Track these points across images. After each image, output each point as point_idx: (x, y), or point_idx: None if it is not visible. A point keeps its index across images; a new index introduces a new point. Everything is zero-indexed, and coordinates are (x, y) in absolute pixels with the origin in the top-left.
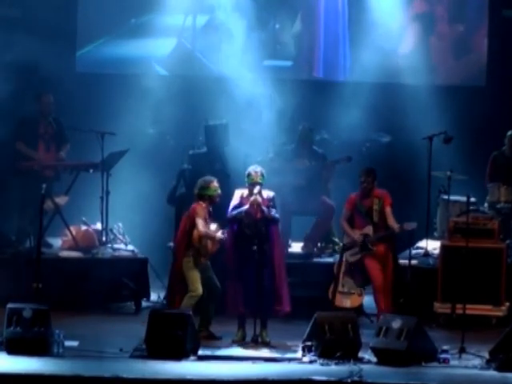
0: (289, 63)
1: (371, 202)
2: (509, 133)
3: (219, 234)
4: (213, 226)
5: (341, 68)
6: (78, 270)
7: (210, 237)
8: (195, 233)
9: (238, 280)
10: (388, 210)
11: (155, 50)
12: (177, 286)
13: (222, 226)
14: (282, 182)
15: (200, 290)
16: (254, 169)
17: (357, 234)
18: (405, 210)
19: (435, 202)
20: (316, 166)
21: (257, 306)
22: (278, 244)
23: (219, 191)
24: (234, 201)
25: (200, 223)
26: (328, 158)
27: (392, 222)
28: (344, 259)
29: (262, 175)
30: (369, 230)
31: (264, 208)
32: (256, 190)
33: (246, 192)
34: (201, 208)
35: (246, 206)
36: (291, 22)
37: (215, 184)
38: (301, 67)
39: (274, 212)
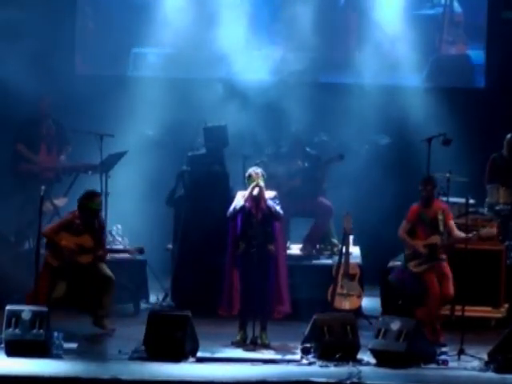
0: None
1: (434, 211)
2: (508, 136)
3: (65, 243)
4: (80, 239)
5: (340, 70)
6: None
7: (51, 239)
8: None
9: (235, 281)
10: (452, 223)
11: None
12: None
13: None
14: (277, 184)
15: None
16: (255, 170)
17: (420, 245)
18: (404, 212)
19: None
20: (310, 167)
21: (257, 307)
22: (281, 243)
23: (100, 208)
24: (236, 202)
25: (51, 225)
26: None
27: (459, 233)
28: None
29: (263, 176)
30: (436, 239)
31: (269, 201)
32: (255, 191)
33: (247, 193)
34: (69, 216)
35: (242, 203)
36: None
37: (100, 199)
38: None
39: (278, 208)
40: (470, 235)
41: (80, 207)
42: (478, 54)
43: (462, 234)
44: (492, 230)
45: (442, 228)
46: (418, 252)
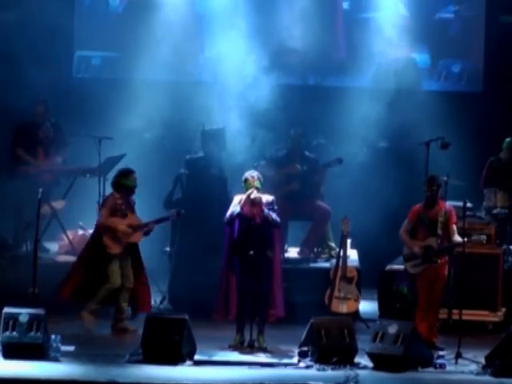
0: (286, 68)
1: (436, 213)
2: (508, 139)
3: (123, 227)
4: (128, 219)
5: (339, 73)
6: None
7: (109, 227)
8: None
9: (231, 286)
10: (453, 227)
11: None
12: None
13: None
14: (275, 187)
15: (118, 281)
16: (251, 174)
17: (417, 246)
18: (402, 216)
19: None
20: (308, 171)
21: (254, 311)
22: (277, 247)
23: (136, 184)
24: (233, 207)
25: (102, 214)
26: (321, 162)
27: (457, 237)
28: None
29: (259, 180)
30: (432, 241)
31: (265, 210)
32: (253, 195)
33: (244, 199)
34: (111, 199)
35: (238, 209)
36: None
37: (135, 176)
38: (297, 73)
39: (275, 215)
40: (459, 240)
41: (117, 187)
42: (423, 58)
43: (459, 239)
44: (482, 237)
45: (439, 231)
46: (414, 253)
